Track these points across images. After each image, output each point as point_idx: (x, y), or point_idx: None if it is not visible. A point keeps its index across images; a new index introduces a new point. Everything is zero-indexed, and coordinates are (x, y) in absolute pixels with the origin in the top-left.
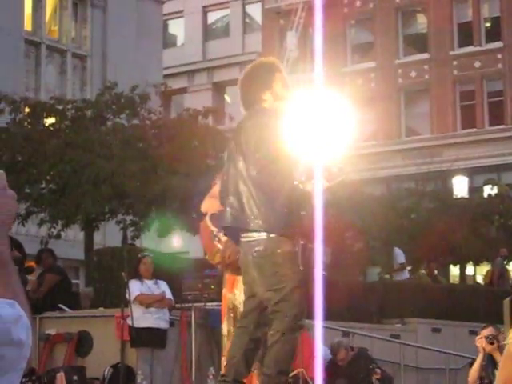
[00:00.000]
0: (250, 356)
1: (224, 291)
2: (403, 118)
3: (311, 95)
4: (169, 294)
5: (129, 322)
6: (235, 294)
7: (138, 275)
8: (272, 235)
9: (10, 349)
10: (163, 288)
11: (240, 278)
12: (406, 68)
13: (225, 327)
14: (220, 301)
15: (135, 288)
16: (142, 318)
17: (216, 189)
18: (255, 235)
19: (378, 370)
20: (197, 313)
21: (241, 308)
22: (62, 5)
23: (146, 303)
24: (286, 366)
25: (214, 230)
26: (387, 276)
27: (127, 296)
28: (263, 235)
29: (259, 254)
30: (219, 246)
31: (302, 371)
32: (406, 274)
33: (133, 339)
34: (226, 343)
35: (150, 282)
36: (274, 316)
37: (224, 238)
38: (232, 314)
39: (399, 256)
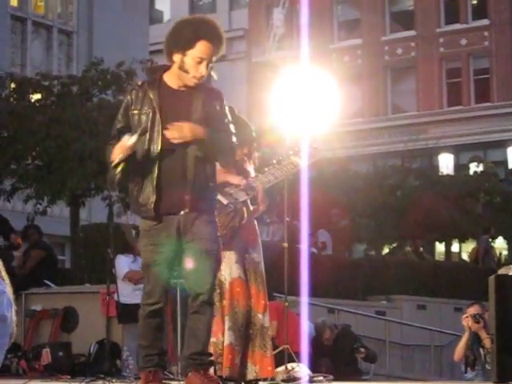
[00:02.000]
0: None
1: None
2: (389, 95)
3: (298, 72)
4: None
5: (115, 297)
6: (220, 269)
7: (127, 250)
8: None
9: None
10: None
11: (226, 254)
12: (393, 45)
13: None
14: None
15: (124, 264)
16: (132, 295)
17: None
18: None
19: (362, 349)
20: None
21: (226, 284)
22: None
23: (135, 279)
24: (140, 341)
25: None
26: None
27: (113, 271)
28: None
29: None
30: None
31: (287, 347)
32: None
33: (120, 315)
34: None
35: (139, 258)
36: None
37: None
38: (218, 290)
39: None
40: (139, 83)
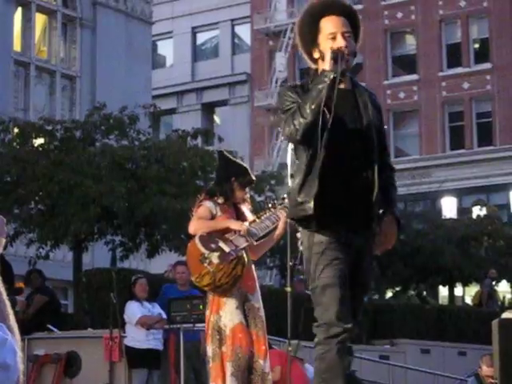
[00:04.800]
0: None
1: (207, 313)
2: (392, 139)
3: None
4: (164, 315)
5: (126, 342)
6: (220, 316)
7: (133, 296)
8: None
9: None
10: (158, 309)
11: (226, 300)
12: (395, 89)
13: (209, 349)
14: None
15: (136, 310)
16: (144, 340)
17: (203, 210)
18: None
19: None
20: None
21: (227, 330)
22: (52, 25)
23: (148, 325)
24: None
25: (205, 251)
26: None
27: (125, 317)
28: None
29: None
30: (209, 268)
31: None
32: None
33: (130, 360)
34: (212, 365)
35: (147, 304)
36: None
37: (216, 260)
38: (218, 336)
39: None
40: (292, 84)
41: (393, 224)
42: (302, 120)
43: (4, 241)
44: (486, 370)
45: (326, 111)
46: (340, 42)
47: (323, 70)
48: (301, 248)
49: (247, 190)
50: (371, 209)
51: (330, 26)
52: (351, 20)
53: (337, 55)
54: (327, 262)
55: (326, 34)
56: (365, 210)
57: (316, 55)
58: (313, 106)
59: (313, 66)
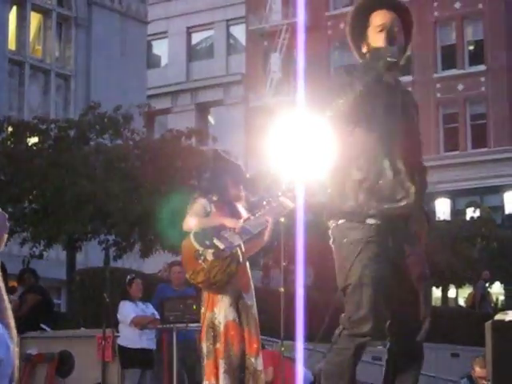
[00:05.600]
0: None
1: (203, 310)
2: None
3: (295, 117)
4: (157, 315)
5: (119, 342)
6: (215, 313)
7: (127, 296)
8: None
9: None
10: (151, 309)
11: (220, 297)
12: None
13: (204, 346)
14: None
15: (130, 310)
16: (138, 340)
17: (198, 207)
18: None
19: None
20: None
21: (221, 327)
22: (46, 24)
23: (141, 325)
24: (339, 381)
25: (200, 248)
26: None
27: (118, 316)
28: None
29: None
30: (204, 264)
31: None
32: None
33: (123, 360)
34: (206, 362)
35: (140, 304)
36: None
37: (210, 257)
38: (212, 333)
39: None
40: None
41: (423, 218)
42: (352, 94)
43: (6, 236)
44: (478, 371)
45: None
46: (388, 36)
47: (376, 48)
48: (332, 244)
49: (241, 187)
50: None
51: (379, 19)
52: (403, 16)
53: (392, 36)
54: (364, 260)
55: (376, 26)
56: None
57: (364, 49)
58: (365, 80)
59: (360, 61)
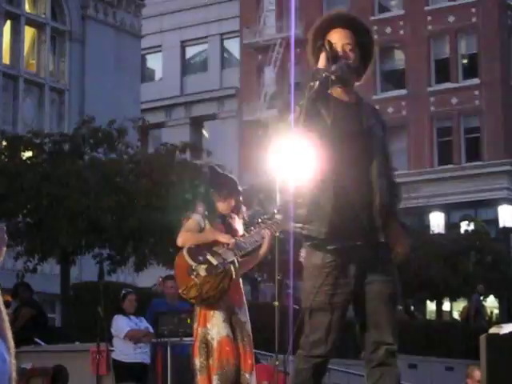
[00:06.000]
0: None
1: (195, 325)
2: None
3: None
4: (151, 329)
5: (113, 356)
6: (208, 328)
7: (121, 311)
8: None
9: None
10: (145, 323)
11: (213, 313)
12: (384, 104)
13: (197, 362)
14: None
15: (124, 324)
16: (131, 354)
17: (191, 222)
18: None
19: None
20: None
21: (214, 343)
22: (41, 38)
23: (135, 338)
24: None
25: (193, 264)
26: None
27: (112, 331)
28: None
29: None
30: (196, 280)
31: None
32: None
33: (118, 374)
34: (200, 377)
35: (134, 318)
36: None
37: (203, 273)
38: (205, 349)
39: None
40: None
41: (398, 230)
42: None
43: (5, 249)
44: (478, 374)
45: (326, 114)
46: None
47: (315, 69)
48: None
49: (233, 201)
50: (374, 220)
51: (332, 37)
52: (361, 35)
53: (332, 55)
54: (323, 286)
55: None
56: (368, 221)
57: None
58: (301, 102)
59: None
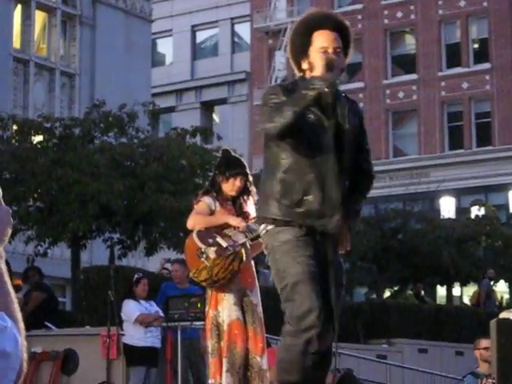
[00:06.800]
0: None
1: (207, 308)
2: (391, 139)
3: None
4: (161, 313)
5: (124, 340)
6: (219, 311)
7: (132, 295)
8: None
9: None
10: (155, 307)
11: (224, 296)
12: (394, 88)
13: (209, 344)
14: None
15: (134, 308)
16: (142, 338)
17: (202, 205)
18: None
19: None
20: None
21: (224, 326)
22: (51, 23)
23: (146, 322)
24: (288, 378)
25: (202, 246)
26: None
27: (122, 315)
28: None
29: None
30: (206, 262)
31: None
32: None
33: (129, 358)
34: (212, 360)
35: (144, 302)
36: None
37: (212, 255)
38: (217, 332)
39: None
40: (282, 84)
41: (346, 232)
42: (282, 120)
43: (10, 231)
44: (484, 342)
45: (323, 117)
46: (332, 56)
47: (312, 77)
48: (265, 251)
49: (238, 181)
50: (336, 209)
51: (321, 39)
52: (343, 36)
53: (332, 64)
54: (297, 258)
55: (318, 47)
56: (335, 212)
57: (305, 66)
58: (295, 109)
59: (298, 75)
